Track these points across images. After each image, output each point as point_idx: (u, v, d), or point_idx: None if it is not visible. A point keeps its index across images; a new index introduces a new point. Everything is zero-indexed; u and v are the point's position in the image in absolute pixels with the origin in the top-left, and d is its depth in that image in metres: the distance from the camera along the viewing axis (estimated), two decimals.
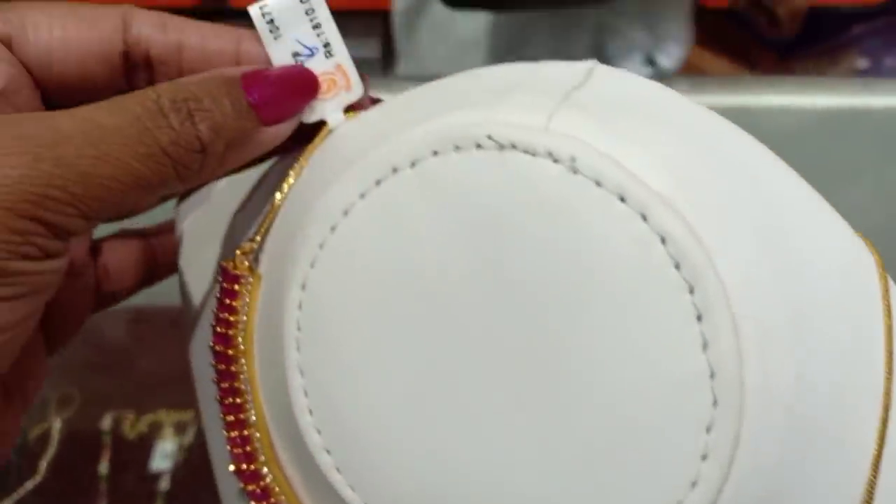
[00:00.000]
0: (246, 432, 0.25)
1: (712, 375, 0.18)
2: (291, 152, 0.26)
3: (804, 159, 0.23)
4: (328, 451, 0.22)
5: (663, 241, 0.18)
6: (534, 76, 0.22)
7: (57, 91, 0.25)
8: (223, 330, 0.25)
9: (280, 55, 0.25)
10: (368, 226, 0.21)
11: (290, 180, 0.25)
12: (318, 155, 0.25)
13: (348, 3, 1.14)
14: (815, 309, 0.20)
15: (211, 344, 0.25)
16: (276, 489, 0.24)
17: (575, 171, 0.19)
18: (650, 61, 0.72)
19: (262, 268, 0.25)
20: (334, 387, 0.22)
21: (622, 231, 0.18)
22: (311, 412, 0.22)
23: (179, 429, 0.57)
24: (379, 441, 0.21)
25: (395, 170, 0.21)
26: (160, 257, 0.31)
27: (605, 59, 0.71)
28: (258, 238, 0.25)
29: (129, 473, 0.54)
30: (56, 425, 0.56)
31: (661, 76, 0.73)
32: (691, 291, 0.18)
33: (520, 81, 0.22)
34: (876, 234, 0.23)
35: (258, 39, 0.25)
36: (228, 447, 0.25)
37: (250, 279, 0.25)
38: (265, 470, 0.25)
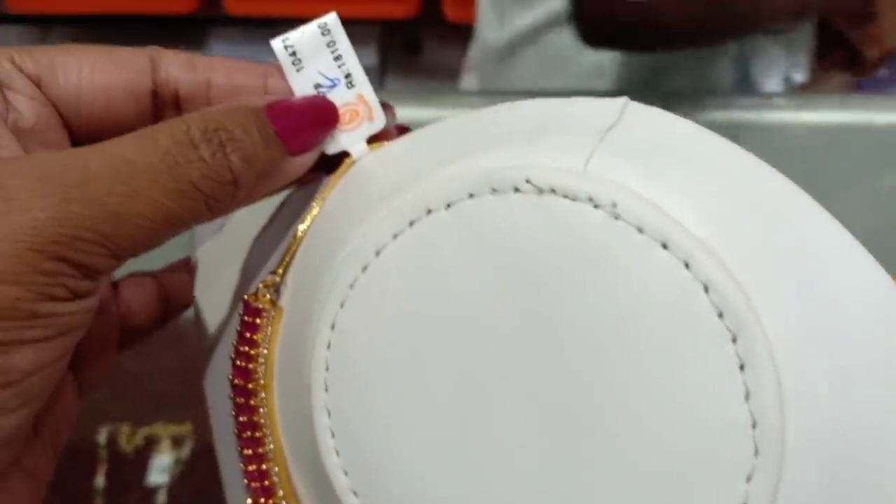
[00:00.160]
0: (264, 466, 0.25)
1: (754, 425, 0.18)
2: (310, 181, 0.26)
3: None
4: (355, 493, 0.22)
5: (706, 289, 0.18)
6: (566, 114, 0.22)
7: (86, 129, 0.24)
8: (243, 363, 0.24)
9: (302, 87, 0.25)
10: (401, 267, 0.21)
11: (314, 211, 0.24)
12: (342, 187, 0.24)
13: (346, 11, 1.14)
14: (852, 354, 0.19)
15: (230, 377, 0.25)
16: None
17: (616, 216, 0.18)
18: (787, 79, 0.72)
19: (284, 300, 0.25)
20: (362, 428, 0.21)
21: (664, 278, 0.18)
22: (337, 453, 0.22)
23: (176, 442, 0.56)
24: (406, 484, 0.21)
25: (429, 211, 0.20)
26: (173, 297, 0.31)
27: (749, 81, 0.71)
28: (280, 271, 0.24)
29: (126, 487, 0.54)
30: None
31: (792, 90, 0.74)
32: (734, 340, 0.18)
33: (552, 120, 0.21)
34: None
35: (284, 74, 0.25)
36: (245, 480, 0.25)
37: (272, 312, 0.24)
38: None
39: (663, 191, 0.19)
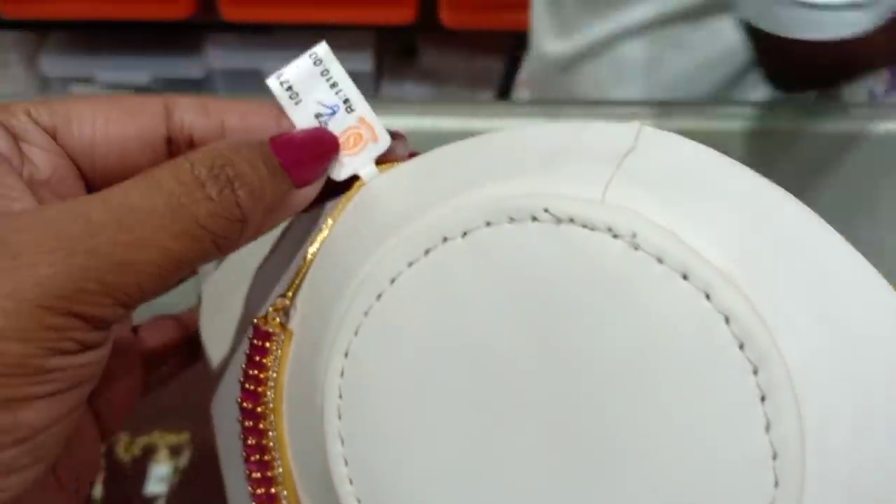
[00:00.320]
0: (273, 490, 0.24)
1: (775, 456, 0.18)
2: (316, 206, 0.26)
3: None
4: None
5: (727, 320, 0.18)
6: (581, 140, 0.21)
7: (101, 179, 0.24)
8: (252, 387, 0.24)
9: (303, 119, 0.25)
10: (416, 295, 0.21)
11: (324, 234, 0.24)
12: (352, 209, 0.24)
13: (342, 17, 1.14)
14: (870, 383, 0.19)
15: (239, 400, 0.24)
16: None
17: (636, 247, 0.18)
18: (870, 91, 0.72)
19: (294, 324, 0.24)
20: (375, 456, 0.21)
21: (685, 310, 0.18)
22: (351, 481, 0.21)
23: (174, 452, 0.56)
24: None
25: (445, 239, 0.20)
26: (195, 338, 0.31)
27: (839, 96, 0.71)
28: (290, 294, 0.24)
29: (125, 497, 0.54)
30: None
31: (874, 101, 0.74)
32: (755, 372, 0.18)
33: (567, 146, 0.21)
34: None
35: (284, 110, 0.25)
36: None
37: (282, 336, 0.24)
38: None
39: (681, 219, 0.19)
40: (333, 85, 0.25)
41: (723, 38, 0.67)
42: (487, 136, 0.23)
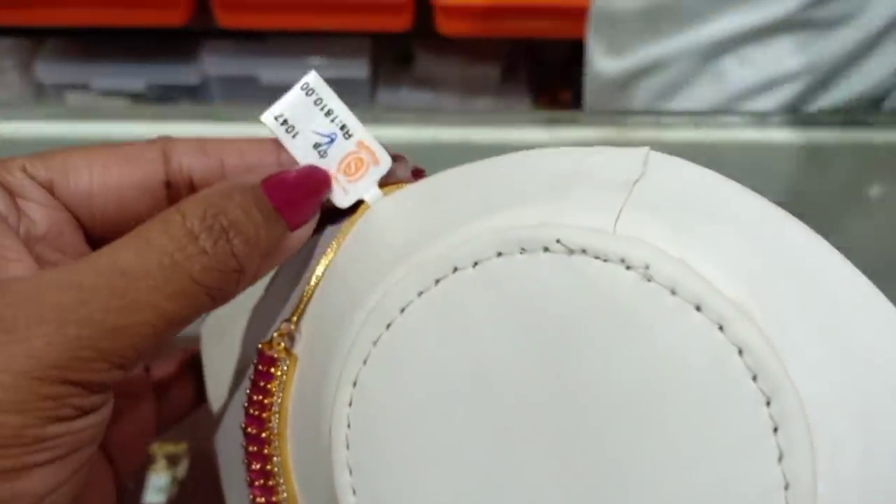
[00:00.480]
0: None
1: (787, 487, 0.18)
2: (319, 231, 0.26)
3: None
4: None
5: (740, 351, 0.18)
6: (589, 166, 0.21)
7: (101, 229, 0.24)
8: (256, 412, 0.24)
9: (302, 151, 0.24)
10: (426, 325, 0.20)
11: (329, 258, 0.24)
12: (357, 233, 0.24)
13: (338, 24, 1.14)
14: (881, 408, 0.19)
15: (243, 425, 0.24)
16: None
17: (649, 278, 0.18)
18: None
19: (299, 348, 0.24)
20: (384, 486, 0.21)
21: (698, 342, 0.18)
22: None
23: (172, 461, 0.56)
24: None
25: (455, 269, 0.20)
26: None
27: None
28: (294, 319, 0.24)
29: None
30: None
31: None
32: (768, 403, 0.18)
33: (576, 172, 0.21)
34: None
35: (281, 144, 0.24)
36: None
37: (287, 361, 0.24)
38: None
39: (693, 248, 0.19)
40: (328, 113, 0.24)
41: (786, 60, 0.67)
42: (493, 161, 0.23)
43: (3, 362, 0.18)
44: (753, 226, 0.20)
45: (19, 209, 0.23)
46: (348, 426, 0.21)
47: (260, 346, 0.24)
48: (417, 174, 0.26)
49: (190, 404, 0.30)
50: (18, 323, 0.18)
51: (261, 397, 0.24)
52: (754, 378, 0.18)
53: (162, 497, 0.53)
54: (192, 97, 1.23)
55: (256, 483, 0.24)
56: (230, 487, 0.28)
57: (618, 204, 0.20)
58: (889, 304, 0.21)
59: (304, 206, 0.23)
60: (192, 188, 0.24)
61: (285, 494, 0.24)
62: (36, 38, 1.22)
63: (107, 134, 0.51)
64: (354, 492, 0.21)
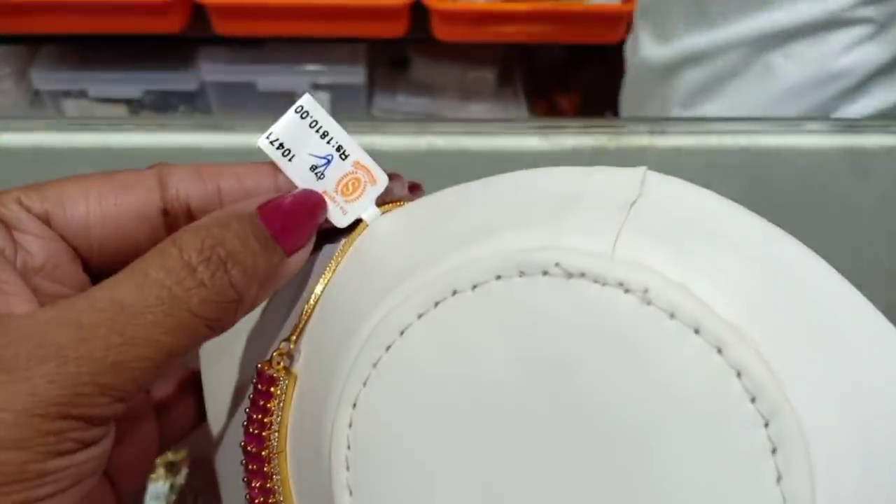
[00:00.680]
0: None
1: None
2: (316, 251, 0.26)
3: None
4: None
5: (739, 374, 0.18)
6: (588, 186, 0.21)
7: (98, 258, 0.24)
8: (256, 431, 0.24)
9: (299, 173, 0.25)
10: (426, 347, 0.21)
11: (328, 277, 0.24)
12: (356, 254, 0.24)
13: (334, 30, 1.14)
14: (878, 427, 0.19)
15: (243, 444, 0.24)
16: None
17: (648, 302, 0.18)
18: None
19: (298, 367, 0.24)
20: None
21: (697, 365, 0.18)
22: None
23: (171, 469, 0.56)
24: None
25: (455, 292, 0.20)
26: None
27: None
28: (293, 338, 0.24)
29: None
30: None
31: None
32: (766, 425, 0.18)
33: (575, 193, 0.21)
34: None
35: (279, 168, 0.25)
36: None
37: (286, 380, 0.24)
38: None
39: (692, 270, 0.19)
40: (324, 135, 0.25)
41: (835, 58, 0.67)
42: (491, 180, 0.23)
43: (4, 401, 0.18)
44: (751, 247, 0.20)
45: (15, 242, 0.23)
46: (348, 447, 0.21)
47: (259, 365, 0.24)
48: (414, 189, 0.27)
49: (191, 423, 0.30)
50: (19, 363, 0.18)
51: (260, 416, 0.24)
52: (753, 400, 0.18)
53: None
54: (188, 103, 1.23)
55: (256, 501, 0.24)
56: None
57: (616, 226, 0.20)
58: (887, 323, 0.21)
59: (300, 231, 0.23)
60: (190, 215, 0.24)
61: None
62: (32, 46, 1.22)
63: (104, 143, 0.50)
64: None
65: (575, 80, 1.37)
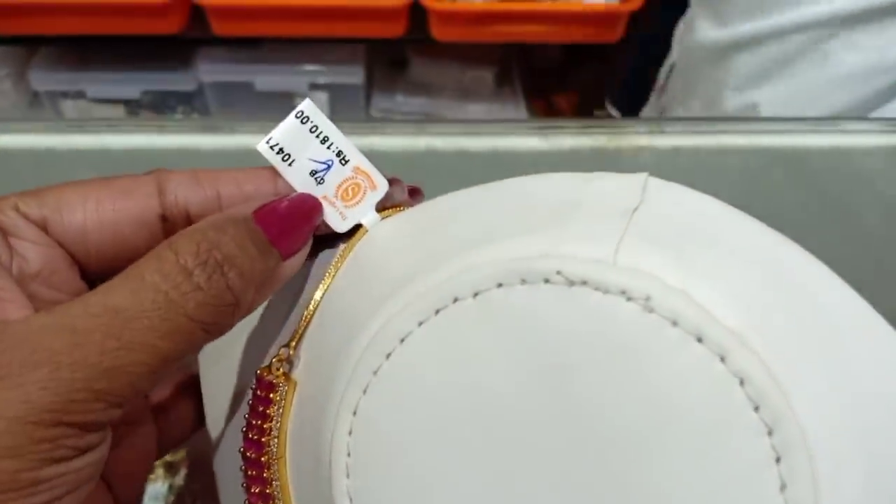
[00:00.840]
0: None
1: None
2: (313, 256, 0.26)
3: None
4: None
5: (742, 382, 0.18)
6: (589, 193, 0.21)
7: (96, 264, 0.24)
8: (255, 436, 0.24)
9: (299, 178, 0.25)
10: (426, 354, 0.20)
11: (327, 282, 0.24)
12: (357, 259, 0.24)
13: (333, 30, 1.13)
14: (881, 433, 0.19)
15: (242, 450, 0.24)
16: None
17: (650, 310, 0.18)
18: None
19: (297, 373, 0.24)
20: None
21: (700, 373, 0.18)
22: None
23: (169, 469, 0.56)
24: None
25: (455, 299, 0.20)
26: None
27: None
28: (293, 343, 0.24)
29: None
30: None
31: None
32: (770, 434, 0.18)
33: (576, 199, 0.21)
34: None
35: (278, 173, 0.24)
36: None
37: (285, 386, 0.24)
38: None
39: (693, 277, 0.19)
40: (324, 140, 0.25)
41: (894, 47, 0.66)
42: (492, 186, 0.23)
43: None
44: (753, 253, 0.20)
45: (12, 248, 0.23)
46: (348, 455, 0.21)
47: (259, 371, 0.24)
48: (414, 193, 0.26)
49: (190, 427, 0.30)
50: (12, 369, 0.18)
51: (260, 422, 0.24)
52: (756, 409, 0.18)
53: None
54: (187, 104, 1.23)
55: None
56: None
57: (618, 233, 0.20)
58: (889, 328, 0.21)
59: (296, 234, 0.23)
60: (189, 220, 0.24)
61: None
62: (30, 47, 1.22)
63: (103, 145, 0.50)
64: None
65: (573, 79, 1.37)
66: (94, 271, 0.24)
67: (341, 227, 0.25)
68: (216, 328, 0.21)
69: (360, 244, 0.24)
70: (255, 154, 0.25)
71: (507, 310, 0.20)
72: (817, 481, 0.18)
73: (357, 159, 0.25)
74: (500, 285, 0.20)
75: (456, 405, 0.20)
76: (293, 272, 0.23)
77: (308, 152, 0.24)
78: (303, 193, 0.24)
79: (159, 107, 1.23)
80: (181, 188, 0.24)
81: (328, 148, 0.25)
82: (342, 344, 0.22)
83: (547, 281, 0.19)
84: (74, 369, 0.19)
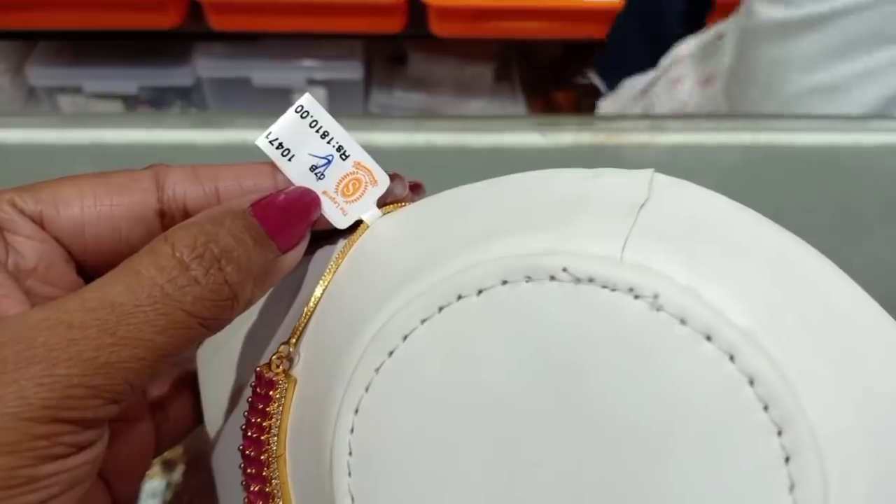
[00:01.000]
0: None
1: None
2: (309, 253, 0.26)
3: None
4: None
5: (751, 382, 0.18)
6: (594, 190, 0.21)
7: (94, 260, 0.24)
8: (255, 434, 0.24)
9: (299, 173, 0.24)
10: (430, 353, 0.20)
11: (328, 278, 0.24)
12: (358, 255, 0.24)
13: (331, 26, 1.13)
14: (889, 433, 0.19)
15: (241, 448, 0.24)
16: None
17: (658, 308, 0.18)
18: None
19: (297, 370, 0.24)
20: None
21: (709, 372, 0.18)
22: None
23: (167, 466, 0.56)
24: None
25: (460, 296, 0.20)
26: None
27: None
28: (293, 340, 0.24)
29: None
30: None
31: None
32: (780, 433, 0.17)
33: (581, 196, 0.21)
34: None
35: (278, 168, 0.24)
36: None
37: (285, 384, 0.24)
38: None
39: (701, 275, 0.19)
40: (324, 135, 0.24)
41: None
42: (496, 182, 0.23)
43: None
44: (761, 250, 0.20)
45: (7, 243, 0.22)
46: (350, 453, 0.21)
47: (258, 368, 0.24)
48: (415, 188, 0.26)
49: (189, 424, 0.29)
50: (7, 365, 0.18)
51: (259, 420, 0.24)
52: (766, 408, 0.17)
53: (156, 502, 0.53)
54: (184, 99, 1.23)
55: None
56: None
57: (624, 230, 0.20)
58: (892, 319, 0.21)
59: (294, 228, 0.23)
60: (187, 216, 0.24)
61: None
62: (28, 42, 1.21)
63: (100, 140, 0.50)
64: None
65: (572, 76, 1.37)
66: (91, 267, 0.24)
67: (342, 222, 0.24)
68: (214, 323, 0.21)
69: (361, 240, 0.24)
70: (253, 149, 0.24)
71: (512, 307, 0.19)
72: (827, 481, 0.18)
73: (358, 154, 0.25)
74: (504, 282, 0.19)
75: (460, 403, 0.20)
76: (291, 266, 0.23)
77: (308, 147, 0.24)
78: (301, 187, 0.24)
79: (157, 102, 1.23)
80: (179, 183, 0.24)
81: (328, 143, 0.24)
82: (344, 341, 0.22)
83: (553, 278, 0.19)
84: (71, 365, 0.18)
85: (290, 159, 0.24)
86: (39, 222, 0.23)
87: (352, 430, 0.21)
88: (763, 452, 0.18)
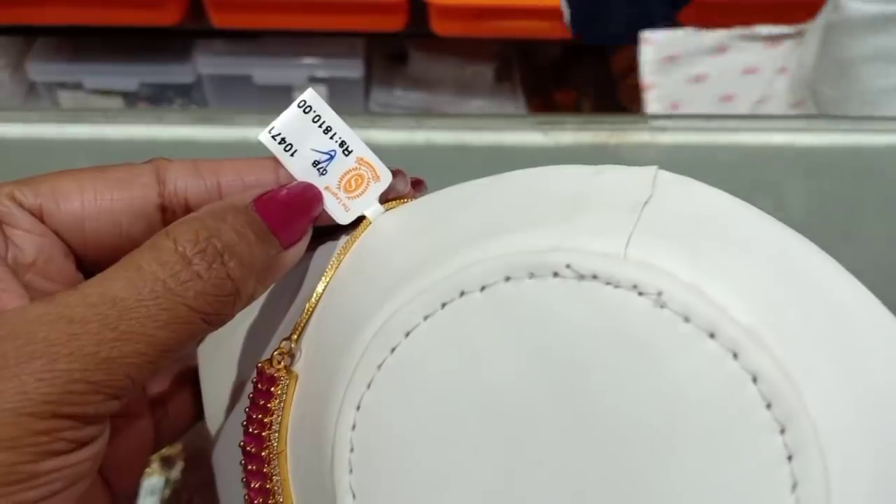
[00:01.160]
0: None
1: None
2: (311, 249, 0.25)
3: None
4: None
5: (754, 379, 0.18)
6: (598, 186, 0.21)
7: (94, 254, 0.24)
8: (256, 431, 0.24)
9: (301, 169, 0.24)
10: (432, 349, 0.20)
11: (330, 274, 0.24)
12: (360, 252, 0.24)
13: (332, 24, 1.13)
14: (890, 430, 0.19)
15: (242, 444, 0.24)
16: None
17: (662, 305, 0.18)
18: None
19: (299, 366, 0.24)
20: None
21: (712, 369, 0.18)
22: None
23: (166, 463, 0.55)
24: None
25: (462, 293, 0.20)
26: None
27: None
28: (295, 336, 0.24)
29: None
30: None
31: None
32: (782, 431, 0.17)
33: (585, 192, 0.21)
34: None
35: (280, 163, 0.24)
36: None
37: (287, 380, 0.24)
38: None
39: (705, 273, 0.19)
40: (327, 130, 0.24)
41: None
42: (499, 178, 0.23)
43: None
44: (765, 248, 0.20)
45: (7, 237, 0.22)
46: (351, 450, 0.21)
47: (260, 364, 0.24)
48: (417, 185, 0.26)
49: (189, 420, 0.29)
50: (8, 360, 0.18)
51: (260, 416, 0.24)
52: (768, 406, 0.18)
53: (155, 499, 0.53)
54: (184, 96, 1.22)
55: (256, 501, 0.24)
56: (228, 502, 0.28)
57: (628, 227, 0.20)
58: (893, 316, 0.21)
59: (296, 223, 0.23)
60: (188, 211, 0.24)
61: None
62: (28, 37, 1.21)
63: (100, 135, 0.50)
64: None
65: (573, 76, 1.37)
66: (91, 262, 0.24)
67: (344, 218, 0.24)
68: (216, 318, 0.21)
69: (363, 236, 0.24)
70: (254, 146, 0.24)
71: (515, 304, 0.19)
72: (829, 479, 0.18)
73: (361, 150, 0.24)
74: (508, 279, 0.19)
75: (462, 400, 0.20)
76: (294, 262, 0.23)
77: (310, 142, 0.24)
78: (303, 182, 0.24)
79: (157, 99, 1.23)
80: (181, 178, 0.24)
81: (331, 138, 0.24)
82: (345, 337, 0.22)
83: (556, 275, 0.19)
84: (71, 360, 0.18)
85: (292, 154, 0.24)
86: (39, 216, 0.23)
87: (353, 427, 0.21)
88: (766, 450, 0.18)
